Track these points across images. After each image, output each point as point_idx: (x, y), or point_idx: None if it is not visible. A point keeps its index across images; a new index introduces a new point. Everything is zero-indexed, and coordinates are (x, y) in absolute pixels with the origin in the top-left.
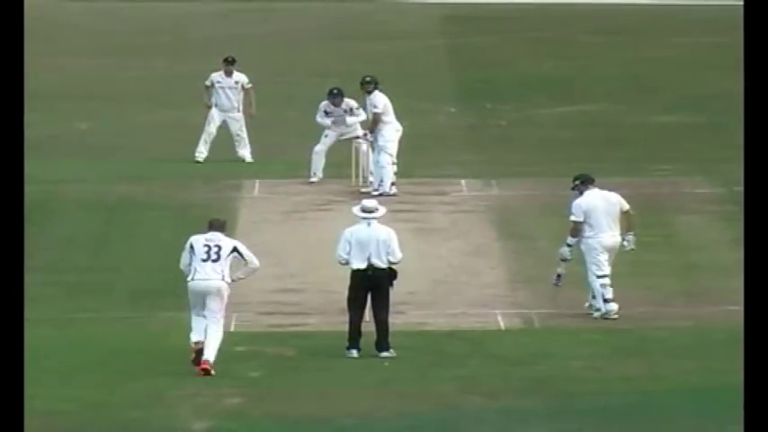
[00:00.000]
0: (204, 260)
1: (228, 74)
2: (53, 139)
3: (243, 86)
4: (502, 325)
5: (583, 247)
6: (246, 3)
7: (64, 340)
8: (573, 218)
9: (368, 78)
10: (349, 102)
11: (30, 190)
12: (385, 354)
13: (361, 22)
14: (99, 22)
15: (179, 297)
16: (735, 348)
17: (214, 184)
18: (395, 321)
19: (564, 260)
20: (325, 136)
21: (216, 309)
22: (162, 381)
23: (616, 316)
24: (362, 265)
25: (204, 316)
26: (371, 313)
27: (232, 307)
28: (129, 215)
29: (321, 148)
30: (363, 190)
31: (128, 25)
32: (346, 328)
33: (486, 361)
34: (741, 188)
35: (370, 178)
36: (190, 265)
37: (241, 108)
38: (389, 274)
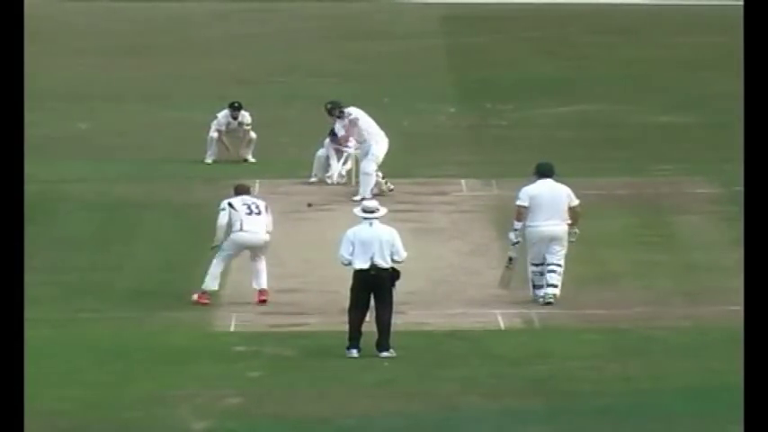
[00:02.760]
0: (248, 214)
1: (235, 118)
2: (53, 139)
3: (244, 127)
4: (502, 325)
5: (525, 233)
6: (246, 3)
7: (64, 340)
8: (518, 202)
9: (329, 105)
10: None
11: (30, 190)
12: (385, 354)
13: (361, 22)
14: (99, 22)
15: (179, 297)
16: (735, 348)
17: (214, 184)
18: (395, 321)
19: (513, 244)
20: (325, 145)
21: (261, 256)
22: (162, 381)
23: (551, 300)
24: (365, 266)
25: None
26: (371, 313)
27: (232, 307)
28: (129, 215)
29: (324, 153)
30: (355, 199)
31: (128, 25)
32: (346, 327)
33: (486, 361)
34: (741, 188)
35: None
36: (229, 224)
37: (244, 140)
38: (392, 274)
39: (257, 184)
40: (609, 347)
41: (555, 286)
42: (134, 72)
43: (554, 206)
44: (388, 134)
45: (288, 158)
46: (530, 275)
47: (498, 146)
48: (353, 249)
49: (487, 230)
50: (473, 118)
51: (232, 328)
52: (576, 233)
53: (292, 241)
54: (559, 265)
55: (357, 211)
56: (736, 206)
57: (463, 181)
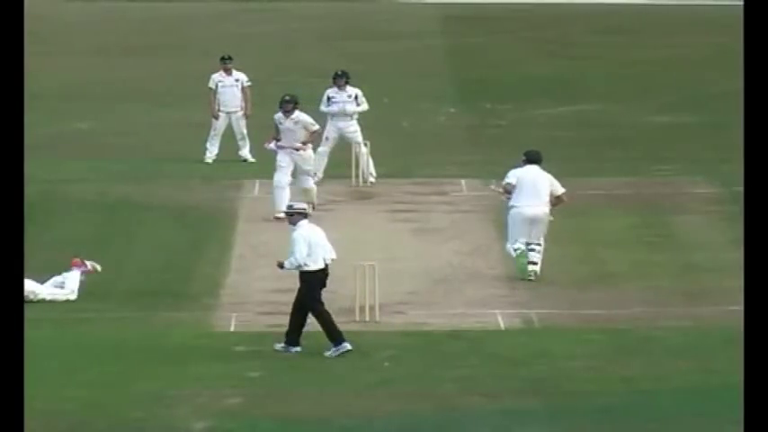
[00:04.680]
0: None
1: (228, 72)
2: (53, 139)
3: (242, 85)
4: (502, 325)
5: (508, 215)
6: (246, 3)
7: (64, 340)
8: (506, 180)
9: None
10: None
11: (30, 190)
12: (343, 347)
13: (361, 22)
14: (99, 22)
15: (179, 297)
16: (735, 348)
17: (214, 184)
18: (395, 321)
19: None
20: (326, 138)
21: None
22: (162, 381)
23: (532, 277)
24: (321, 265)
25: None
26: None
27: (232, 307)
28: (129, 215)
29: (324, 150)
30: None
31: (128, 25)
32: (344, 327)
33: (486, 361)
34: (741, 188)
35: (371, 179)
36: None
37: (242, 106)
38: None
39: (257, 184)
40: (609, 347)
41: (536, 263)
42: (134, 72)
43: (535, 190)
44: (388, 134)
45: None
46: (510, 253)
47: (498, 146)
48: (310, 251)
49: (487, 230)
50: (473, 118)
51: (232, 328)
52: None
53: None
54: (539, 244)
55: (301, 208)
56: (737, 206)
57: (463, 181)
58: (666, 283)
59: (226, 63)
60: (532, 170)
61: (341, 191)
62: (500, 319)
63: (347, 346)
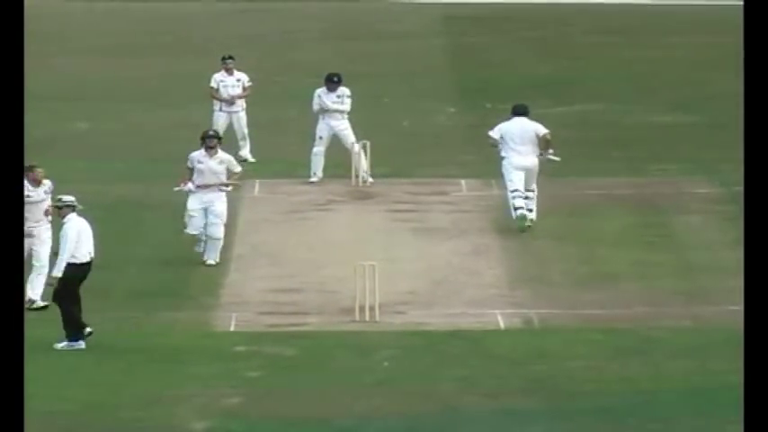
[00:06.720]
0: None
1: (229, 72)
2: (53, 139)
3: (244, 85)
4: (502, 325)
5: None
6: (246, 3)
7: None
8: (489, 132)
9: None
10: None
11: None
12: (79, 343)
13: (361, 22)
14: (99, 22)
15: (178, 297)
16: (735, 348)
17: None
18: (395, 321)
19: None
20: (320, 138)
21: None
22: (162, 381)
23: (529, 224)
24: (87, 259)
25: None
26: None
27: (232, 307)
28: (129, 215)
29: (319, 150)
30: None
31: (128, 25)
32: (344, 327)
33: (486, 361)
34: (741, 188)
35: (370, 179)
36: None
37: (244, 106)
38: None
39: (257, 184)
40: (609, 347)
41: (531, 211)
42: (134, 72)
43: (522, 140)
44: (388, 134)
45: (288, 158)
46: (510, 200)
47: None
48: (78, 244)
49: (487, 230)
50: (473, 118)
51: (232, 328)
52: (552, 153)
53: (292, 241)
54: (532, 191)
55: (70, 201)
56: (737, 206)
57: (463, 181)
58: (666, 283)
59: (227, 63)
60: (519, 122)
61: (341, 191)
62: (500, 319)
63: (82, 345)
